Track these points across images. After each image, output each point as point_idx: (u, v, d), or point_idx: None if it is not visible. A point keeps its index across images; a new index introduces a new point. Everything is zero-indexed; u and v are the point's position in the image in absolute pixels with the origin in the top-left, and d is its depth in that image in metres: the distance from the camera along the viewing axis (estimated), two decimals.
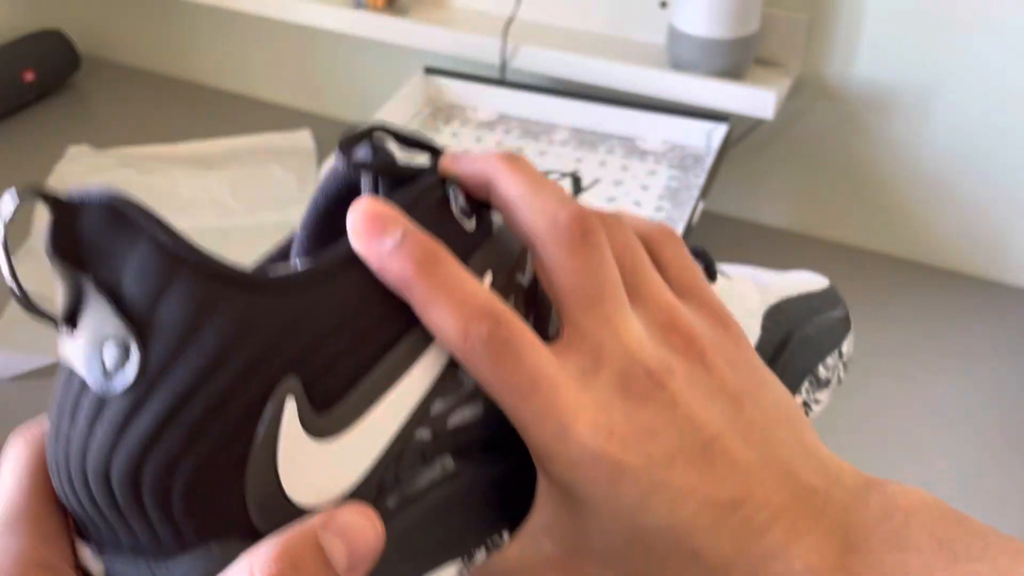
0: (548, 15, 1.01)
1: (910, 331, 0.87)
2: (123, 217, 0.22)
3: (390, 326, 0.25)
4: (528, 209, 0.27)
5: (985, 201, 0.90)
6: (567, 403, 0.25)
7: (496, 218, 0.29)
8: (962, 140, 0.88)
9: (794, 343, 0.40)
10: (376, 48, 1.14)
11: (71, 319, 0.23)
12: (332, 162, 0.28)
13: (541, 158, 0.90)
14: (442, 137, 0.93)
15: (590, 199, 0.84)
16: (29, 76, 1.21)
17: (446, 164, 0.28)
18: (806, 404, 0.42)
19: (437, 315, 0.25)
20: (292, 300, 0.24)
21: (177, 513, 0.23)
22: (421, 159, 0.29)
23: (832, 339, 0.42)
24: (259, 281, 0.24)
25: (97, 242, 0.22)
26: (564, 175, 0.87)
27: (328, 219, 0.29)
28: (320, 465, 0.24)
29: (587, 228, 0.27)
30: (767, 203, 1.01)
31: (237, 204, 1.03)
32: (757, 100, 0.86)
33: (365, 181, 0.28)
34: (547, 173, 0.88)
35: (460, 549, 0.29)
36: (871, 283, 0.93)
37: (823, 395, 0.42)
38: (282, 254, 0.31)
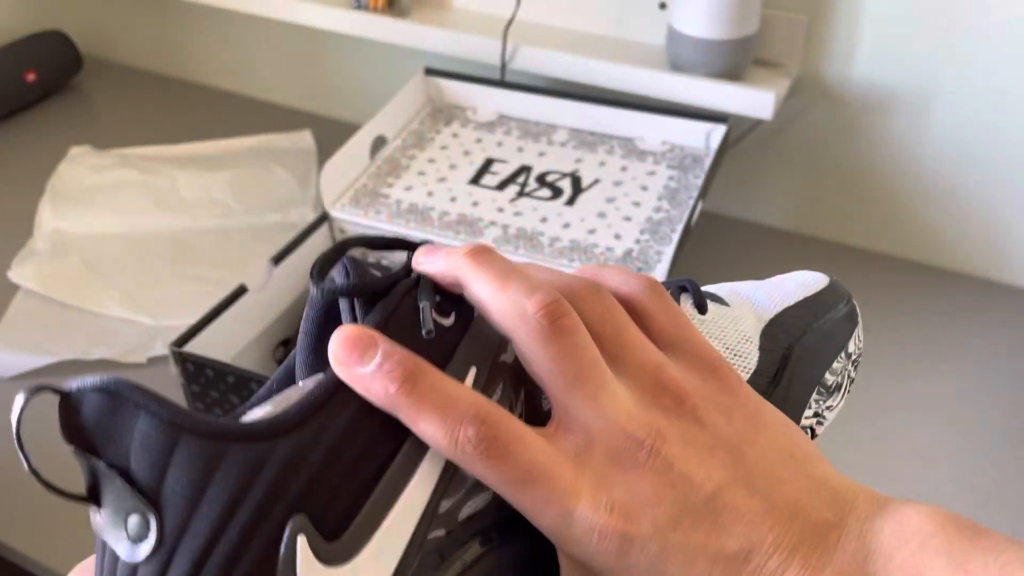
0: (548, 16, 1.01)
1: (908, 331, 0.87)
2: (121, 398, 0.24)
3: (385, 442, 0.27)
4: (498, 308, 0.28)
5: (983, 201, 0.91)
6: (565, 488, 0.26)
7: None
8: (960, 140, 0.89)
9: (795, 357, 0.39)
10: (377, 49, 1.15)
11: (95, 497, 0.25)
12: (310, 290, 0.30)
13: (541, 158, 0.90)
14: (443, 137, 0.94)
15: (590, 199, 0.84)
16: (31, 77, 1.21)
17: (417, 266, 0.30)
18: (818, 415, 0.40)
19: (425, 426, 0.26)
20: (288, 441, 0.25)
21: None
22: (400, 256, 0.30)
23: (835, 343, 0.40)
24: (254, 430, 0.25)
25: (102, 425, 0.24)
26: (564, 175, 0.88)
27: (320, 342, 0.30)
28: None
29: (556, 314, 0.28)
30: (766, 203, 1.02)
31: (238, 204, 1.04)
32: (756, 101, 0.86)
33: (342, 303, 0.29)
34: (547, 173, 0.88)
35: None
36: (869, 283, 0.93)
37: (835, 400, 0.41)
38: (287, 375, 0.32)
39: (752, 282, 0.42)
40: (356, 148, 0.87)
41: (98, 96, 1.28)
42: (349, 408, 0.26)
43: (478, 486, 0.29)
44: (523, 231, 0.81)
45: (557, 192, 0.86)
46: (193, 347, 0.71)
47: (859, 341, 0.42)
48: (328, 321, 0.30)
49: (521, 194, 0.86)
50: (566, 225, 0.82)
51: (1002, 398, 0.80)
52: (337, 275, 0.29)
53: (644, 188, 0.85)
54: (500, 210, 0.84)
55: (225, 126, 1.20)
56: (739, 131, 0.98)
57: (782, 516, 0.27)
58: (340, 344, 0.26)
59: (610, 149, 0.91)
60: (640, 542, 0.26)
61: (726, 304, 0.39)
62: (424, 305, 0.29)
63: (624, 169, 0.88)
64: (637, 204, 0.84)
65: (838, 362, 0.40)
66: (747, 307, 0.40)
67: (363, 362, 0.26)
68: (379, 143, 0.94)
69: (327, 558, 0.25)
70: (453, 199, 0.85)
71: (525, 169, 0.89)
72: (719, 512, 0.27)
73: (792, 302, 0.41)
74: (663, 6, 0.94)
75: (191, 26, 1.27)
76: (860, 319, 0.42)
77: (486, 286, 0.28)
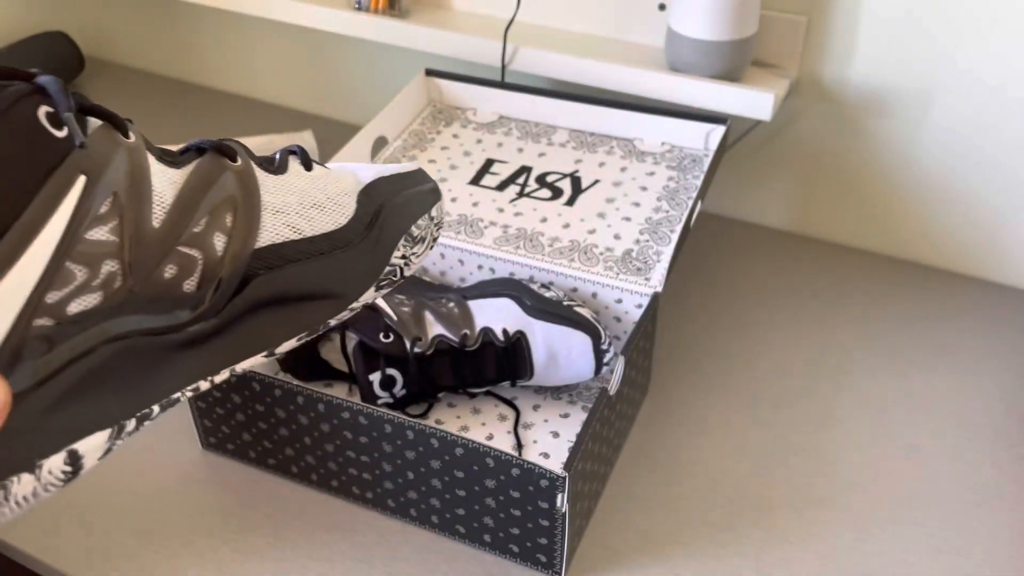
0: (548, 18, 1.02)
1: (907, 331, 0.88)
2: None
3: None
4: None
5: (982, 201, 0.91)
6: None
7: (92, 127, 0.34)
8: (958, 141, 0.89)
9: (387, 211, 0.49)
10: (377, 50, 1.15)
11: None
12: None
13: (541, 159, 0.90)
14: (443, 138, 0.94)
15: (590, 200, 0.85)
16: None
17: None
18: (405, 258, 0.50)
19: None
20: None
21: None
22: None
23: (421, 207, 0.51)
24: None
25: None
26: (564, 176, 0.88)
27: None
28: None
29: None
30: (764, 204, 1.02)
31: None
32: (755, 102, 0.87)
33: None
34: (547, 174, 0.89)
35: (107, 420, 0.35)
36: (867, 283, 0.94)
37: (419, 248, 0.51)
38: None
39: (357, 163, 0.54)
40: (357, 149, 0.88)
41: (100, 97, 1.28)
42: None
43: (87, 286, 0.33)
44: (523, 231, 0.82)
45: (557, 192, 0.86)
46: None
47: (441, 211, 0.53)
48: None
49: (521, 194, 0.86)
50: (566, 225, 0.82)
51: (1001, 398, 0.80)
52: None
53: (644, 188, 0.86)
54: (500, 210, 0.84)
55: (227, 127, 1.21)
56: (738, 132, 0.98)
57: None
58: None
59: (610, 150, 0.91)
60: None
61: (332, 170, 0.49)
62: (39, 96, 0.32)
63: (624, 170, 0.88)
64: (637, 204, 0.84)
65: (423, 220, 0.51)
66: (349, 172, 0.50)
67: None
68: (380, 144, 0.94)
69: None
70: (453, 199, 0.86)
71: (525, 170, 0.90)
72: None
73: (388, 174, 0.51)
74: (662, 7, 0.95)
75: (193, 27, 1.27)
76: (443, 197, 0.54)
77: None
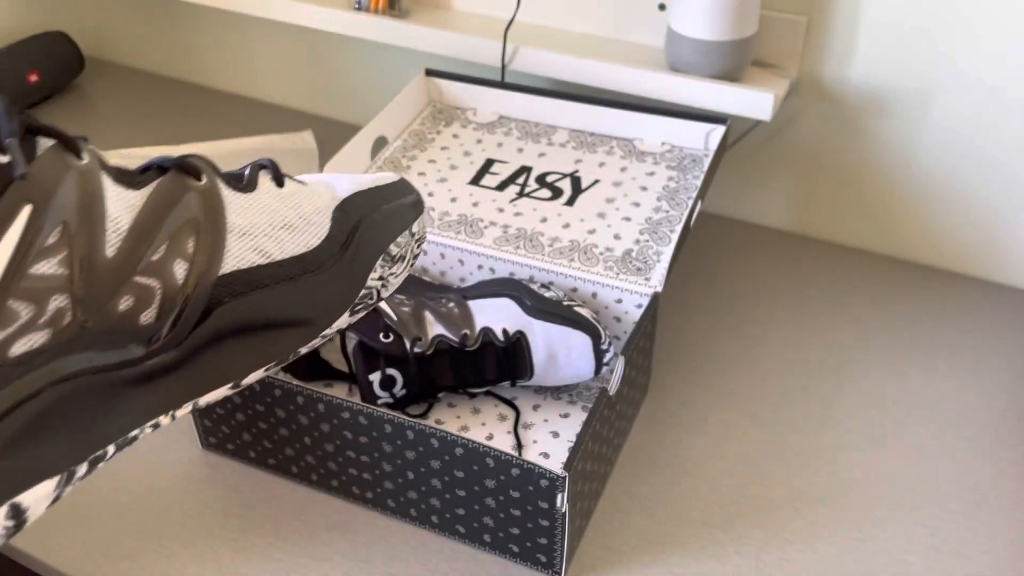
0: (548, 18, 1.02)
1: (907, 331, 0.88)
2: None
3: None
4: None
5: (982, 201, 0.91)
6: None
7: (42, 149, 0.32)
8: (958, 141, 0.89)
9: (364, 228, 0.46)
10: (377, 50, 1.15)
11: None
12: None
13: (541, 159, 0.90)
14: (443, 138, 0.94)
15: (590, 200, 0.85)
16: (33, 78, 1.22)
17: None
18: (383, 279, 0.47)
19: None
20: None
21: None
22: None
23: (402, 222, 0.48)
24: None
25: None
26: (564, 176, 0.88)
27: None
28: None
29: None
30: (764, 204, 1.02)
31: None
32: (755, 102, 0.87)
33: None
34: (547, 174, 0.89)
35: (56, 467, 0.32)
36: (867, 283, 0.94)
37: (398, 268, 0.48)
38: None
39: (335, 173, 0.49)
40: (357, 149, 0.88)
41: (100, 97, 1.29)
42: None
43: (33, 324, 0.30)
44: (523, 231, 0.82)
45: (557, 192, 0.86)
46: None
47: (423, 225, 0.50)
48: None
49: (521, 194, 0.86)
50: (566, 225, 0.82)
51: (1001, 398, 0.80)
52: None
53: (644, 188, 0.86)
54: (500, 210, 0.84)
55: (227, 127, 1.21)
56: (738, 132, 0.99)
57: None
58: None
59: (610, 150, 0.91)
60: None
61: (305, 184, 0.46)
62: None
63: (624, 170, 0.88)
64: (637, 204, 0.84)
65: (403, 237, 0.48)
66: (324, 186, 0.47)
67: None
68: (380, 144, 0.94)
69: None
70: (453, 199, 0.86)
71: (525, 170, 0.90)
72: None
73: (366, 187, 0.48)
74: (662, 7, 0.95)
75: (193, 27, 1.28)
76: (426, 210, 0.50)
77: None
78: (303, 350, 0.44)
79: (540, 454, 0.73)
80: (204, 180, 0.39)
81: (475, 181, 0.88)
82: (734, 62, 0.88)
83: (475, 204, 0.85)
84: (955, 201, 0.92)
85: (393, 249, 0.47)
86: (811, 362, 0.84)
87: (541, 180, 0.88)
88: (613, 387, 0.66)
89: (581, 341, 0.73)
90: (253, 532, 0.70)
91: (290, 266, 0.42)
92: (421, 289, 0.80)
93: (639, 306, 0.76)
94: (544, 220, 0.83)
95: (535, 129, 0.95)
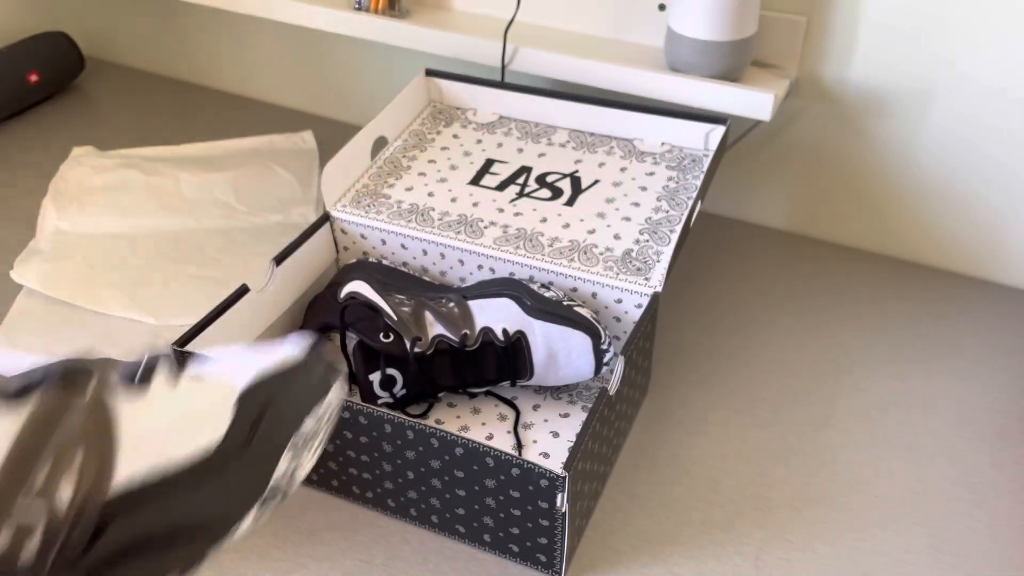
0: (547, 18, 1.02)
1: (907, 331, 0.88)
2: None
3: None
4: None
5: (981, 201, 0.91)
6: None
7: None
8: (958, 141, 0.89)
9: (267, 420, 0.44)
10: (378, 50, 1.15)
11: None
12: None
13: (541, 159, 0.90)
14: (443, 138, 0.94)
15: (589, 200, 0.85)
16: (34, 78, 1.22)
17: None
18: (292, 469, 0.45)
19: None
20: None
21: None
22: None
23: (309, 401, 0.46)
24: None
25: None
26: (564, 176, 0.88)
27: None
28: None
29: None
30: (764, 203, 1.02)
31: (240, 205, 1.04)
32: (755, 102, 0.87)
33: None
34: (547, 174, 0.89)
35: None
36: (867, 283, 0.94)
37: (308, 454, 0.46)
38: None
39: (240, 349, 0.47)
40: (357, 149, 0.88)
41: (100, 97, 1.29)
42: None
43: None
44: (523, 231, 0.82)
45: (557, 192, 0.86)
46: (195, 347, 0.71)
47: (334, 401, 0.48)
48: None
49: (521, 194, 0.86)
50: (566, 225, 0.82)
51: (1000, 398, 0.80)
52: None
53: (643, 189, 0.86)
54: (500, 210, 0.84)
55: (227, 127, 1.21)
56: (738, 132, 0.99)
57: None
58: None
59: (609, 150, 0.91)
60: None
61: (202, 379, 0.44)
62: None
63: (623, 170, 0.88)
64: (636, 204, 0.84)
65: (309, 421, 0.46)
66: (224, 376, 0.44)
67: None
68: (380, 144, 0.94)
69: None
70: (453, 200, 0.86)
71: (525, 170, 0.90)
72: None
73: (270, 374, 0.46)
74: (662, 7, 0.95)
75: (193, 28, 1.28)
76: (339, 380, 0.47)
77: None
78: (211, 552, 0.42)
79: (540, 454, 0.73)
80: (90, 389, 0.37)
81: (475, 181, 0.88)
82: (734, 62, 0.88)
83: (475, 204, 0.85)
84: (955, 201, 0.92)
85: (298, 440, 0.45)
86: (811, 362, 0.84)
87: (541, 180, 0.88)
88: (613, 387, 0.66)
89: (581, 341, 0.73)
90: (253, 532, 0.70)
91: (189, 472, 0.40)
92: (421, 289, 0.80)
93: (639, 306, 0.76)
94: (544, 220, 0.83)
95: (535, 129, 0.95)
